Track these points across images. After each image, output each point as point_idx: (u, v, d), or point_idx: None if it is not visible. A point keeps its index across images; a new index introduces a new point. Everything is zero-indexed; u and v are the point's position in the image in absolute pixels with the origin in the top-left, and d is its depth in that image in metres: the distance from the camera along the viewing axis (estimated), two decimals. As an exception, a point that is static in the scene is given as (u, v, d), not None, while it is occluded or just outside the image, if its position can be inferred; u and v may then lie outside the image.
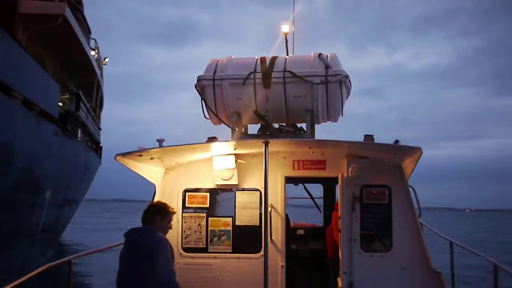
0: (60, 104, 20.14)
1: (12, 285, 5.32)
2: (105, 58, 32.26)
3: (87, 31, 25.40)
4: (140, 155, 6.34)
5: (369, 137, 6.43)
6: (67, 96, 22.10)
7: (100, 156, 31.67)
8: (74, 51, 21.72)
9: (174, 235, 7.08)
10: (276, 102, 6.94)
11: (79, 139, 23.72)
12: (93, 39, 27.85)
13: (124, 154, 6.24)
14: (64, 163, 20.88)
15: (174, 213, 5.41)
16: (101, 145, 31.99)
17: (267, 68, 6.97)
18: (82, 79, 25.58)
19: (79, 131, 23.73)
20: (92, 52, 26.21)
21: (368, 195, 6.89)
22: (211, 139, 6.64)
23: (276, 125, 7.35)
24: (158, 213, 5.23)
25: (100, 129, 31.97)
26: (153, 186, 7.25)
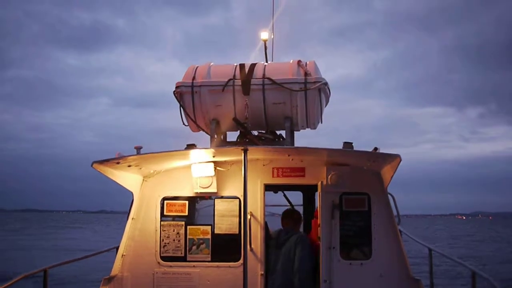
0: None
1: None
2: None
3: None
4: (118, 163, 6.23)
5: (348, 145, 6.42)
6: None
7: None
8: None
9: (152, 244, 6.99)
10: (255, 109, 6.90)
11: None
12: None
13: (101, 162, 6.12)
14: None
15: None
16: None
17: (246, 75, 6.93)
18: None
19: None
20: None
21: (348, 202, 6.87)
22: (190, 146, 6.57)
23: (255, 132, 7.32)
24: None
25: None
26: (131, 194, 7.16)
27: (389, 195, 6.88)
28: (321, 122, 7.35)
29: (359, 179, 6.85)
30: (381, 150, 6.07)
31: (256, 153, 6.59)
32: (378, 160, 6.37)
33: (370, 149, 6.15)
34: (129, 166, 6.53)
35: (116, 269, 6.95)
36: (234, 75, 6.94)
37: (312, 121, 7.08)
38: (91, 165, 6.13)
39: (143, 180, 7.16)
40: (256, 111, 6.92)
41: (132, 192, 7.14)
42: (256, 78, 6.88)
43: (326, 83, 6.97)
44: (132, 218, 7.06)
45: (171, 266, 6.94)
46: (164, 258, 6.97)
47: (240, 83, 6.88)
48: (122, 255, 6.98)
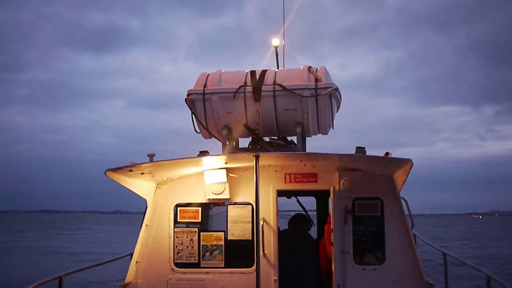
0: None
1: None
2: None
3: None
4: (131, 170, 6.30)
5: (360, 149, 6.43)
6: None
7: None
8: None
9: (166, 250, 7.04)
10: (267, 115, 6.93)
11: None
12: None
13: (115, 170, 6.19)
14: None
15: None
16: None
17: (257, 81, 6.97)
18: None
19: None
20: None
21: (360, 207, 6.87)
22: (203, 153, 6.62)
23: (267, 139, 7.35)
24: None
25: None
26: (144, 201, 7.22)
27: (402, 200, 6.87)
28: (332, 128, 7.36)
29: (372, 184, 6.85)
30: (396, 149, 6.18)
31: (268, 159, 6.62)
32: (390, 164, 6.37)
33: (384, 150, 6.15)
34: (142, 173, 6.60)
35: (130, 275, 7.00)
36: (245, 82, 6.97)
37: (323, 127, 7.10)
38: (105, 173, 6.20)
39: (156, 187, 7.22)
40: (267, 118, 6.95)
41: (145, 199, 7.20)
42: (267, 85, 6.91)
43: (336, 89, 6.98)
44: (146, 225, 7.11)
45: (185, 273, 6.98)
46: (178, 265, 7.02)
47: (251, 90, 6.91)
48: (136, 261, 7.04)
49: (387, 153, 6.11)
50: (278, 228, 7.24)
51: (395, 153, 6.13)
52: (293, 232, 7.76)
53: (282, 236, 7.22)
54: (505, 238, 67.74)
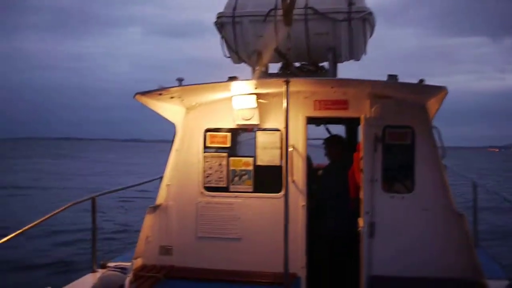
0: None
1: (36, 222, 5.45)
2: None
3: None
4: (160, 94, 6.30)
5: (392, 77, 6.27)
6: None
7: None
8: None
9: (195, 174, 7.13)
10: (298, 40, 6.77)
11: None
12: None
13: (144, 93, 6.20)
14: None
15: None
16: None
17: (288, 4, 6.76)
18: None
19: None
20: None
21: (391, 135, 6.78)
22: (232, 78, 6.55)
23: (297, 64, 7.22)
24: None
25: None
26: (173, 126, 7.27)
27: (434, 129, 6.74)
28: (365, 54, 7.19)
29: (403, 112, 6.72)
30: (414, 81, 5.91)
31: (298, 85, 6.52)
32: (423, 92, 6.21)
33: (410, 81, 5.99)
34: (172, 97, 6.59)
35: (161, 198, 7.16)
36: (276, 5, 6.78)
37: (356, 52, 6.93)
38: (134, 96, 6.22)
39: (186, 112, 7.23)
40: (298, 42, 6.78)
41: (174, 124, 7.24)
42: (299, 8, 6.71)
43: (371, 13, 6.77)
44: (175, 149, 7.19)
45: (214, 196, 7.10)
46: (207, 188, 7.13)
47: (282, 13, 6.73)
48: (167, 185, 7.17)
49: (421, 80, 5.94)
50: (308, 156, 7.25)
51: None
52: (332, 162, 7.87)
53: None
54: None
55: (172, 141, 7.29)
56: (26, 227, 5.31)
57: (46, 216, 6.01)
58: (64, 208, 6.45)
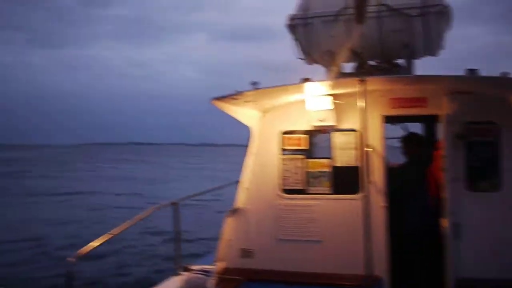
0: None
1: (122, 227, 5.66)
2: None
3: None
4: (235, 99, 6.40)
5: (472, 72, 6.05)
6: None
7: None
8: None
9: (273, 177, 7.17)
10: (371, 38, 6.69)
11: None
12: None
13: (219, 98, 6.34)
14: None
15: None
16: None
17: (360, 2, 6.68)
18: None
19: None
20: None
21: (473, 132, 6.53)
22: (305, 80, 6.55)
23: (371, 62, 7.12)
24: None
25: None
26: (247, 129, 7.36)
27: None
28: (443, 48, 6.99)
29: (485, 107, 6.45)
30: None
31: (374, 84, 6.42)
32: (507, 85, 5.95)
33: None
34: (246, 101, 6.68)
35: (240, 201, 7.26)
36: (348, 4, 6.72)
37: (432, 48, 6.77)
38: (210, 102, 6.36)
39: (261, 115, 7.29)
40: (371, 40, 6.70)
41: (249, 127, 7.33)
42: (371, 5, 6.61)
43: (447, 6, 6.57)
44: (252, 153, 7.26)
45: (292, 199, 7.11)
46: (285, 191, 7.15)
47: (353, 11, 6.66)
48: (245, 188, 7.26)
49: (504, 73, 5.69)
50: (385, 156, 7.12)
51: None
52: (410, 160, 7.63)
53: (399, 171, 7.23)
54: None
55: (247, 145, 7.38)
56: (115, 232, 5.52)
57: (131, 221, 6.24)
58: (147, 214, 6.65)
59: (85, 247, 4.95)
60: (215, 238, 7.45)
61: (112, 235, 5.51)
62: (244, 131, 7.38)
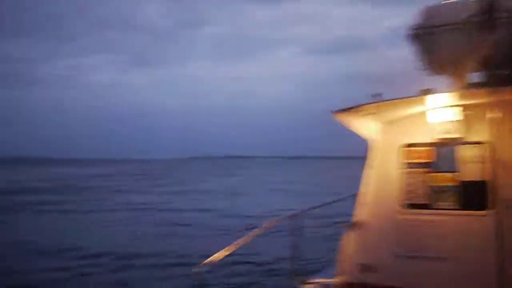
0: None
1: (244, 241, 5.76)
2: None
3: None
4: (358, 111, 6.34)
5: None
6: None
7: None
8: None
9: (394, 191, 6.99)
10: (499, 46, 6.34)
11: None
12: None
13: (340, 111, 6.31)
14: None
15: None
16: None
17: (487, 10, 6.39)
18: None
19: None
20: None
21: None
22: (426, 91, 6.34)
23: (499, 72, 6.76)
24: None
25: None
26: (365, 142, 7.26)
27: None
28: None
29: None
30: None
31: (504, 95, 6.08)
32: None
33: None
34: (367, 114, 6.59)
35: (359, 215, 7.15)
36: (473, 12, 6.45)
37: None
38: (331, 114, 6.36)
39: (382, 127, 7.16)
40: (500, 49, 6.36)
41: (368, 140, 7.21)
42: (498, 12, 6.30)
43: None
44: (372, 166, 7.14)
45: (414, 214, 6.88)
46: (408, 205, 6.94)
47: (480, 20, 6.38)
48: (364, 202, 7.14)
49: None
50: None
51: None
52: None
53: None
54: None
55: (366, 157, 7.27)
56: (233, 247, 5.61)
57: (254, 232, 6.34)
58: (265, 228, 6.68)
59: (211, 257, 5.10)
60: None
61: (237, 246, 5.63)
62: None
